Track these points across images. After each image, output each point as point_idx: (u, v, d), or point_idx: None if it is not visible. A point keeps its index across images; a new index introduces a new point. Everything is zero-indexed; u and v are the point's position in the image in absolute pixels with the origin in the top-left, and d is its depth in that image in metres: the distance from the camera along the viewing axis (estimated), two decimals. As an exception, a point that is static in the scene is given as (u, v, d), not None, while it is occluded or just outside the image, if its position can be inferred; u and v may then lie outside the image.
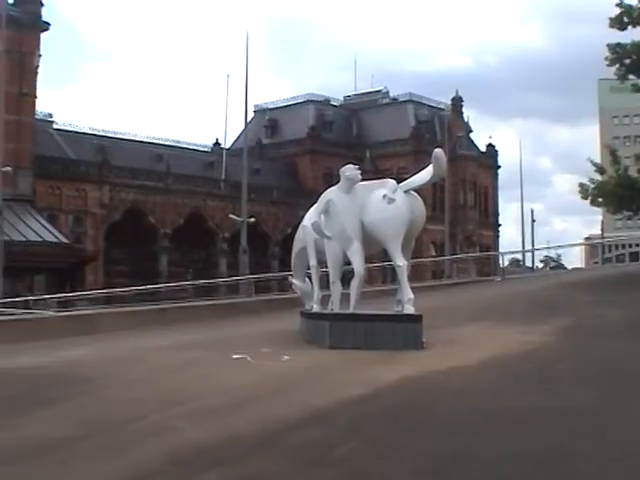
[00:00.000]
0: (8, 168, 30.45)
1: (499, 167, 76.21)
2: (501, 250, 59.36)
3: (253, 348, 14.54)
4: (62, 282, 38.26)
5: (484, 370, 11.72)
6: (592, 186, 25.95)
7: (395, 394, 10.31)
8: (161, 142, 59.05)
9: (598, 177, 26.28)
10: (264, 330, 18.85)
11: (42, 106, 49.03)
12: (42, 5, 43.49)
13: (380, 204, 14.59)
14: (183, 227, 54.42)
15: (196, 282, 35.30)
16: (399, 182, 14.98)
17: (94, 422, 9.21)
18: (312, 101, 71.42)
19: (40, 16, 43.24)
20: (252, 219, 39.68)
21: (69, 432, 8.69)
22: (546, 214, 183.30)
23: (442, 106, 70.25)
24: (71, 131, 53.25)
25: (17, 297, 27.97)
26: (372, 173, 46.38)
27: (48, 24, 43.54)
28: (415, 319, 14.20)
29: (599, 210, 53.71)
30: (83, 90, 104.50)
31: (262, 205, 56.53)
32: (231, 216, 41.35)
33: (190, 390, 11.04)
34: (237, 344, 15.73)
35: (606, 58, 25.67)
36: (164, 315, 24.16)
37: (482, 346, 13.90)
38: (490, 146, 75.42)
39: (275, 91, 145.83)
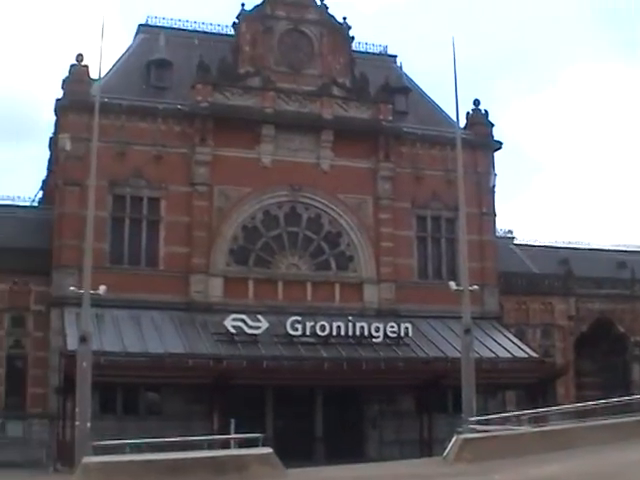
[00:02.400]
0: (475, 287, 32.33)
1: None
2: None
3: None
4: (533, 397, 39.23)
5: None
6: None
7: None
8: (622, 248, 58.61)
9: None
10: None
11: (501, 223, 51.48)
12: (492, 126, 46.25)
13: None
14: (653, 334, 53.19)
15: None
16: None
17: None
18: None
19: (492, 136, 45.96)
20: None
21: None
22: None
23: None
24: (531, 245, 54.80)
25: (490, 414, 29.30)
26: None
27: (500, 143, 46.00)
28: None
29: None
30: (536, 203, 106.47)
31: None
32: None
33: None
34: None
35: None
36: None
37: None
38: None
39: None
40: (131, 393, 38.12)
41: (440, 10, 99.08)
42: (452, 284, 31.32)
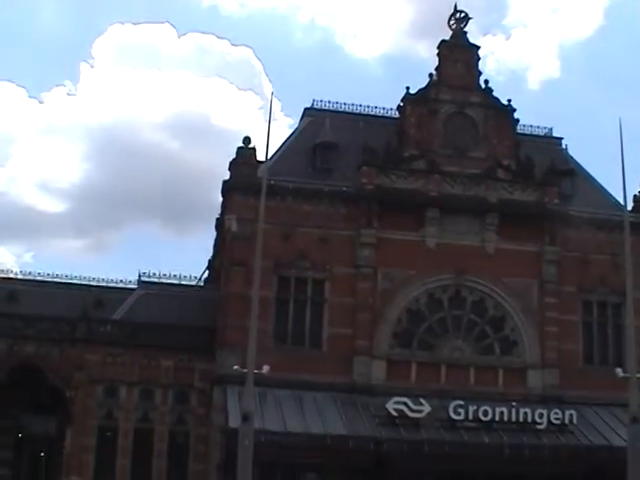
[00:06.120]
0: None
1: None
2: None
3: None
4: None
5: None
6: None
7: None
8: None
9: None
10: None
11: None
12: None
13: None
14: None
15: None
16: None
17: None
18: None
19: (659, 219, 45.19)
20: None
21: None
22: None
23: None
24: None
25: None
26: None
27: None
28: None
29: None
30: None
31: None
32: None
33: None
34: None
35: None
36: None
37: None
38: None
39: None
40: (291, 472, 38.92)
41: (607, 85, 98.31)
42: (619, 371, 31.21)
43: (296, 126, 48.66)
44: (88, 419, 40.79)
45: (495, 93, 46.10)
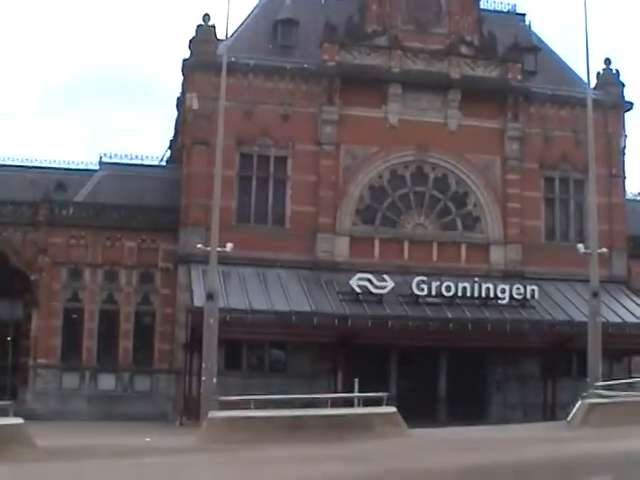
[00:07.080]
0: (604, 250, 31.95)
1: None
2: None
3: None
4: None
5: None
6: None
7: None
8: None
9: None
10: None
11: (631, 186, 50.01)
12: (623, 86, 44.98)
13: None
14: None
15: None
16: None
17: None
18: None
19: (623, 97, 44.74)
20: None
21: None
22: None
23: None
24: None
25: (615, 379, 29.03)
26: None
27: (631, 104, 44.76)
28: None
29: None
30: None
31: None
32: None
33: None
34: None
35: None
36: None
37: None
38: None
39: None
40: (256, 350, 39.18)
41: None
42: (580, 247, 31.12)
43: (256, 3, 47.14)
44: (53, 302, 40.44)
45: (459, -33, 44.67)
